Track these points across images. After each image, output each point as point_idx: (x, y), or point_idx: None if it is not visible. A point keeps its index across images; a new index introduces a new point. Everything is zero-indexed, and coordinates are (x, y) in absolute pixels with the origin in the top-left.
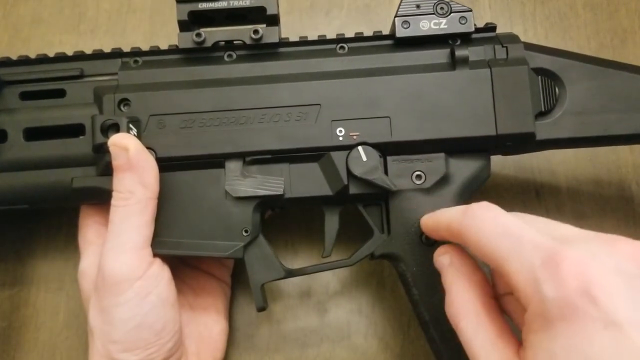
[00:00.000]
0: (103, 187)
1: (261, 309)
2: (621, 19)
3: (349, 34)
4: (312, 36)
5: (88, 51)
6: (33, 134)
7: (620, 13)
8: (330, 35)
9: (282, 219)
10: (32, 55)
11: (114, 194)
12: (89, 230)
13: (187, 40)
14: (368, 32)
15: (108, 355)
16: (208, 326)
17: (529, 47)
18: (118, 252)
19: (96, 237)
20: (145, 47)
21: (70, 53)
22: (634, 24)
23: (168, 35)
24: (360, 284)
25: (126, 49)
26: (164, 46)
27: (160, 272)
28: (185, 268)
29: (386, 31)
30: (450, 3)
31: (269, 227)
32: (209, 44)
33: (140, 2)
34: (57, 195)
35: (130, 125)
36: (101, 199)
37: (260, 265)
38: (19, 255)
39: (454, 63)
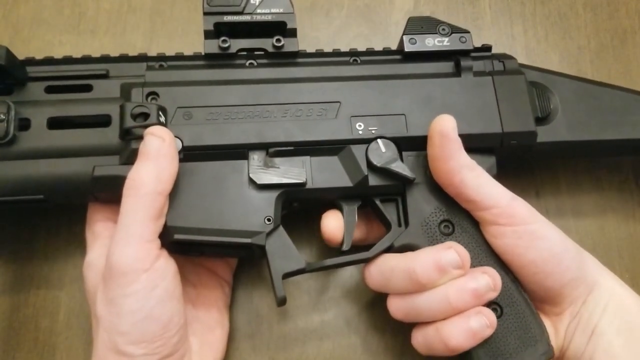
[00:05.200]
0: (125, 175)
1: (282, 300)
2: (621, 19)
3: (350, 34)
4: (316, 37)
5: (88, 51)
6: (57, 124)
7: (620, 13)
8: (331, 36)
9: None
10: (37, 56)
11: (127, 181)
12: (98, 224)
13: (213, 46)
14: (368, 32)
15: (114, 348)
16: (210, 325)
17: (521, 65)
18: (125, 243)
19: (104, 230)
20: (145, 47)
21: (70, 53)
22: (634, 24)
23: (168, 35)
24: (360, 283)
25: (126, 49)
26: (164, 46)
27: (167, 266)
28: (188, 265)
29: (387, 33)
30: (451, 25)
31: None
32: (233, 50)
33: (140, 2)
34: (76, 185)
35: (160, 113)
36: (118, 190)
37: (281, 255)
38: (18, 255)
39: (460, 71)
